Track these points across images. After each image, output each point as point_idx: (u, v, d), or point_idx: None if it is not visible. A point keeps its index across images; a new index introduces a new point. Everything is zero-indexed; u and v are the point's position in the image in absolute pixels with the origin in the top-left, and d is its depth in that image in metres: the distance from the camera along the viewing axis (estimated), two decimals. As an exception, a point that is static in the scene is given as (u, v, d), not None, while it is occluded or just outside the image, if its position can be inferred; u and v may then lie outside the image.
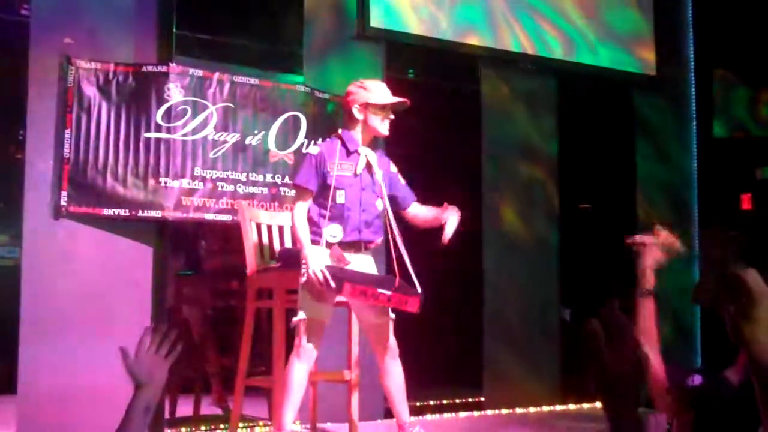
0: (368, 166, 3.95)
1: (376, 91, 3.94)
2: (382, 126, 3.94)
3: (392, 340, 3.91)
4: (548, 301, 6.75)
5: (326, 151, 3.91)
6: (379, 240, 4.03)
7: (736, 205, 7.48)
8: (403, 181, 4.13)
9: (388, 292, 3.76)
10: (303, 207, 3.90)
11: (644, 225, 7.22)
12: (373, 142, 4.17)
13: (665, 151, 7.51)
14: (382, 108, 3.91)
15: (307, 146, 5.42)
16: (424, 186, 6.21)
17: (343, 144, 3.93)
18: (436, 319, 5.99)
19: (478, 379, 6.35)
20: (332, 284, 3.65)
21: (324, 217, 3.82)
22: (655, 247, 2.83)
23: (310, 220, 3.88)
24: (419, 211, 4.12)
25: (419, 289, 3.82)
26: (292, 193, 5.13)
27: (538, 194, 6.80)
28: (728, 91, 7.68)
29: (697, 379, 2.80)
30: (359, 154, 3.93)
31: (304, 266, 3.77)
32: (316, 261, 3.71)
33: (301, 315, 3.82)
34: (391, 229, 3.98)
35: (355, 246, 3.90)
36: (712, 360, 6.84)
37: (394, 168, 4.12)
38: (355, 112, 3.96)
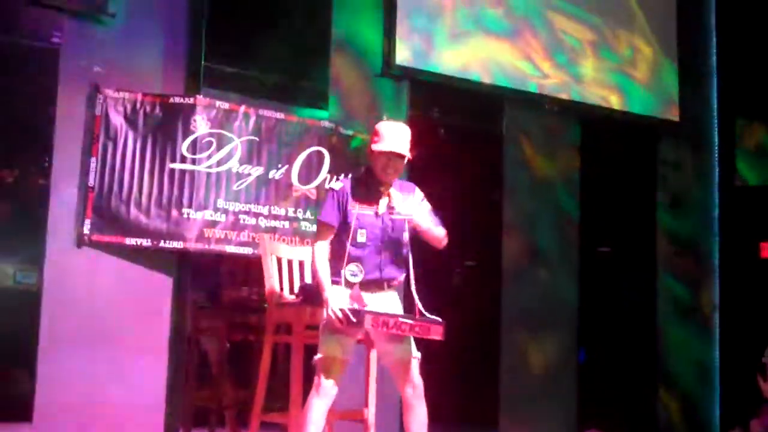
0: (389, 208, 3.89)
1: (381, 136, 3.83)
2: (383, 172, 3.87)
3: (418, 379, 3.84)
4: (566, 342, 6.70)
5: (349, 188, 3.88)
6: (402, 277, 3.98)
7: (755, 253, 7.45)
8: (428, 208, 4.04)
9: (411, 321, 3.72)
10: (323, 244, 3.85)
11: (662, 269, 7.23)
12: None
13: (687, 197, 7.49)
14: (382, 155, 3.80)
15: (330, 181, 5.43)
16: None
17: (367, 181, 3.90)
18: (453, 359, 5.95)
19: (495, 420, 6.29)
20: (352, 318, 3.61)
21: (344, 256, 3.79)
22: None
23: (331, 258, 3.85)
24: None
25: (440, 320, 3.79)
26: (314, 227, 5.15)
27: (559, 236, 6.78)
28: (753, 140, 7.69)
29: None
30: (381, 195, 3.89)
31: (324, 307, 3.74)
32: (335, 300, 3.68)
33: (321, 353, 3.76)
34: (408, 270, 3.93)
35: (377, 284, 3.85)
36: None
37: (420, 195, 4.03)
38: (368, 153, 3.95)
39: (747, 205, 7.46)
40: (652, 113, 7.29)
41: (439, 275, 5.71)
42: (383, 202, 3.85)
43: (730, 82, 7.59)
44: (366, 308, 3.71)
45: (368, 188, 3.86)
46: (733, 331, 7.24)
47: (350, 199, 3.82)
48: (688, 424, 7.03)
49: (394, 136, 3.85)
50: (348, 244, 3.76)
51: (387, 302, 3.85)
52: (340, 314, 3.62)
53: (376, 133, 3.87)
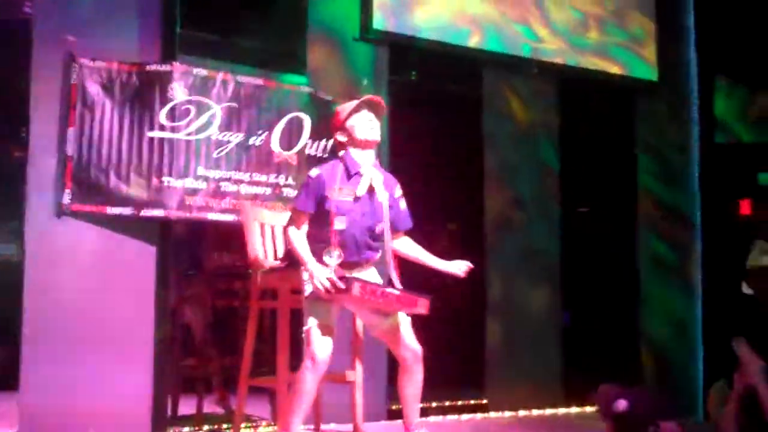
0: (370, 189, 3.87)
1: (344, 107, 3.90)
2: (370, 132, 3.84)
3: (415, 343, 3.84)
4: (550, 304, 6.75)
5: (326, 175, 3.81)
6: (378, 255, 3.98)
7: (735, 210, 7.51)
8: (403, 207, 4.04)
9: (397, 292, 3.73)
10: (299, 229, 3.83)
11: (644, 228, 7.28)
12: (379, 160, 4.09)
13: (666, 156, 7.52)
14: (358, 113, 3.84)
15: (311, 147, 5.42)
16: (425, 187, 6.27)
17: (345, 166, 3.86)
18: (438, 322, 5.97)
19: (481, 381, 6.34)
20: (341, 285, 3.61)
21: (322, 241, 3.77)
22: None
23: (311, 240, 3.82)
24: (406, 245, 4.05)
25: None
26: (295, 193, 5.14)
27: (540, 198, 6.81)
28: (727, 97, 7.72)
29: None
30: (361, 176, 3.85)
31: (307, 280, 3.73)
32: (320, 271, 3.67)
33: (311, 323, 3.73)
34: (389, 251, 3.92)
35: (356, 265, 3.87)
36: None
37: (399, 192, 4.03)
38: (339, 137, 3.92)
39: (727, 162, 7.49)
40: (630, 73, 7.28)
41: (421, 239, 5.70)
42: (363, 182, 3.82)
43: (708, 40, 7.59)
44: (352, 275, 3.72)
45: (347, 172, 3.83)
46: (715, 289, 7.30)
47: (327, 186, 3.78)
48: (672, 381, 7.10)
49: (355, 101, 3.87)
50: (326, 230, 3.75)
51: (367, 276, 3.86)
52: (327, 283, 3.61)
53: (338, 113, 3.92)
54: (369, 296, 3.65)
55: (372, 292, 3.66)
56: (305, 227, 3.83)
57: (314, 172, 3.85)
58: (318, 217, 3.81)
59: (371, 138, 3.86)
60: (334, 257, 3.75)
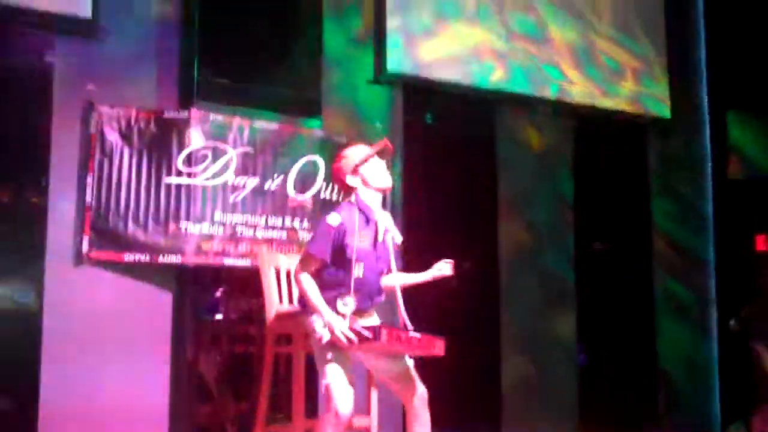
0: (385, 233, 3.87)
1: (353, 152, 3.80)
2: (385, 179, 3.79)
3: (422, 386, 3.82)
4: (566, 342, 6.74)
5: (348, 222, 3.73)
6: (382, 299, 3.98)
7: (751, 246, 7.49)
8: (398, 241, 4.04)
9: (418, 335, 3.71)
10: (309, 274, 3.70)
11: (658, 264, 7.27)
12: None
13: (680, 192, 7.53)
14: (368, 161, 3.76)
15: (325, 190, 5.46)
16: (440, 229, 6.30)
17: (362, 211, 3.86)
18: (453, 364, 5.97)
19: (497, 420, 6.33)
20: (367, 335, 3.56)
21: (339, 287, 3.67)
22: None
23: (324, 289, 3.70)
24: (393, 277, 4.02)
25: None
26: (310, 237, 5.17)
27: (555, 236, 6.82)
28: (743, 132, 7.71)
29: None
30: (376, 222, 3.85)
31: (322, 330, 3.68)
32: (341, 323, 3.57)
33: (331, 377, 3.61)
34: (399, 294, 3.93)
35: (365, 311, 3.85)
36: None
37: (395, 229, 4.04)
38: (350, 181, 3.85)
39: (741, 198, 7.49)
40: (642, 110, 7.31)
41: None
42: (381, 228, 3.81)
43: (720, 75, 7.63)
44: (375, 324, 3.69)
45: (366, 217, 3.81)
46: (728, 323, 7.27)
47: (348, 234, 3.75)
48: (689, 421, 7.06)
49: (363, 147, 3.83)
50: (344, 278, 3.67)
51: (370, 323, 3.85)
52: (351, 335, 3.55)
53: (344, 157, 3.79)
54: (396, 342, 3.61)
55: (398, 338, 3.61)
56: (315, 273, 3.80)
57: (335, 219, 3.71)
58: (335, 264, 3.73)
59: (385, 186, 3.86)
60: (349, 305, 3.71)
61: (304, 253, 3.86)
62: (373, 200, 3.82)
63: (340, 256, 3.71)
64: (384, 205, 3.97)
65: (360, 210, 3.78)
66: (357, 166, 3.80)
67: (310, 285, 3.72)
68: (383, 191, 3.86)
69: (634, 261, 7.29)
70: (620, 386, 6.83)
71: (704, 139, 7.65)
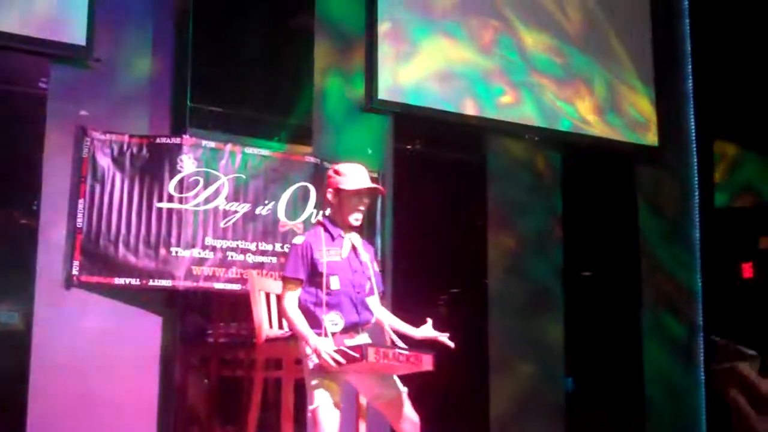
0: (354, 249, 3.90)
1: (349, 177, 3.81)
2: (351, 216, 3.80)
3: (413, 414, 3.83)
4: (553, 369, 6.76)
5: (312, 240, 3.82)
6: (373, 320, 3.99)
7: (737, 274, 7.54)
8: (376, 269, 4.08)
9: (407, 352, 3.72)
10: (293, 297, 3.77)
11: (646, 292, 7.32)
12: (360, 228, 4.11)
13: (667, 220, 7.59)
14: (355, 194, 3.80)
15: (316, 216, 5.49)
16: (430, 255, 6.34)
17: (327, 230, 3.89)
18: (440, 392, 5.99)
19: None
20: (354, 354, 3.57)
21: (320, 305, 3.72)
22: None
23: (305, 310, 3.76)
24: (376, 309, 4.04)
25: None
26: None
27: (543, 263, 6.86)
28: (732, 160, 7.80)
29: None
30: (343, 239, 3.89)
31: (310, 354, 3.71)
32: (326, 345, 3.60)
33: (318, 401, 3.65)
34: (383, 311, 3.96)
35: (354, 328, 3.85)
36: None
37: (373, 256, 4.07)
38: (329, 196, 3.92)
39: (727, 225, 7.56)
40: (630, 139, 7.40)
41: (424, 303, 5.72)
42: (346, 244, 3.85)
43: (707, 105, 7.72)
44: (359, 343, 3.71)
45: (331, 235, 3.85)
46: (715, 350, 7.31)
47: (315, 249, 3.79)
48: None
49: (361, 174, 3.85)
50: (322, 294, 3.71)
51: (362, 342, 3.87)
52: (338, 356, 3.57)
53: (338, 173, 3.84)
54: (383, 359, 3.61)
55: (385, 355, 3.61)
56: (297, 298, 3.82)
57: (299, 239, 3.84)
58: (311, 282, 3.77)
59: (353, 224, 3.88)
60: (338, 323, 3.72)
61: (281, 279, 3.91)
62: (341, 224, 3.86)
63: (314, 274, 3.75)
64: (372, 234, 4.02)
65: (325, 229, 3.83)
66: (341, 189, 3.84)
67: (294, 312, 3.75)
68: (349, 229, 3.88)
69: (621, 288, 7.34)
70: (607, 412, 6.85)
71: (691, 167, 7.72)
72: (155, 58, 5.33)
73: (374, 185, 3.87)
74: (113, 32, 5.20)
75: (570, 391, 6.88)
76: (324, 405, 3.62)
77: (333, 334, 3.69)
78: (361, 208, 3.83)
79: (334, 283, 3.74)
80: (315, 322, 3.71)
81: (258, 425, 4.48)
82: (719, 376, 5.38)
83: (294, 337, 4.25)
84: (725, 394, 5.61)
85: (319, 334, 3.67)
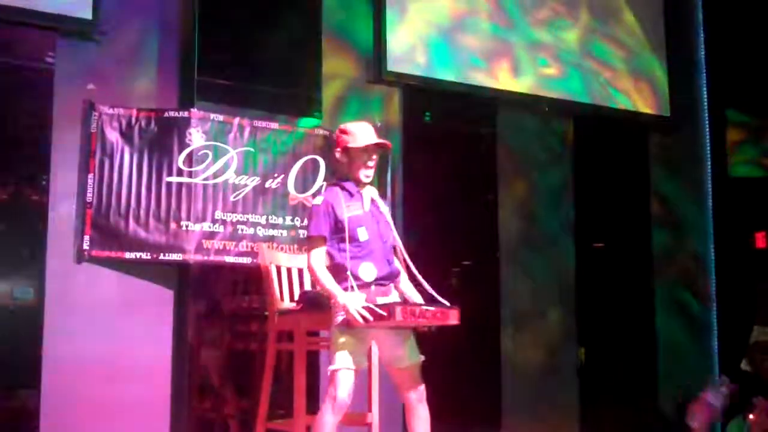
0: (373, 202, 3.91)
1: (356, 134, 3.82)
2: (361, 172, 3.81)
3: (421, 383, 3.87)
4: (565, 340, 6.75)
5: (331, 198, 3.83)
6: (400, 275, 3.99)
7: (750, 243, 7.50)
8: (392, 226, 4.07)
9: (433, 308, 3.72)
10: (319, 254, 3.78)
11: (658, 262, 7.28)
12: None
13: (680, 191, 7.55)
14: (363, 151, 3.80)
15: (326, 189, 5.45)
16: (440, 229, 6.32)
17: (343, 189, 3.90)
18: (454, 361, 5.99)
19: (497, 417, 6.34)
20: (382, 312, 3.57)
21: (352, 258, 3.72)
22: None
23: (335, 265, 3.78)
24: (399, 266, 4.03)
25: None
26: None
27: (555, 235, 6.83)
28: (744, 131, 7.74)
29: None
30: (361, 193, 3.90)
31: (341, 311, 3.71)
32: (356, 300, 3.62)
33: (338, 364, 3.67)
34: (405, 260, 3.95)
35: (387, 279, 3.84)
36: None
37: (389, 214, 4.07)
38: (338, 155, 3.93)
39: (740, 196, 7.51)
40: (642, 109, 7.34)
41: (436, 275, 5.69)
42: (366, 198, 3.86)
43: (719, 74, 7.65)
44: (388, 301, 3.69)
45: (349, 192, 3.86)
46: (730, 323, 7.28)
47: (336, 207, 3.81)
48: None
49: (368, 131, 3.85)
50: (349, 248, 3.76)
51: (392, 300, 3.86)
52: (366, 313, 3.58)
53: (345, 132, 3.85)
54: (410, 317, 3.62)
55: (412, 313, 3.62)
56: (324, 257, 3.79)
57: (319, 200, 3.86)
58: (337, 238, 3.77)
59: (363, 181, 3.88)
60: (371, 272, 3.72)
61: (307, 240, 3.92)
62: (354, 181, 3.85)
63: (340, 230, 3.76)
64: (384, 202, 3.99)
65: (341, 188, 3.83)
66: (349, 148, 3.83)
67: (320, 269, 3.77)
68: (361, 186, 3.88)
69: (634, 259, 7.31)
70: (619, 383, 6.84)
71: (704, 137, 7.66)
72: (162, 31, 5.29)
73: (381, 140, 3.86)
74: (120, 5, 5.17)
75: (582, 362, 6.87)
76: (343, 367, 3.65)
77: (363, 287, 3.69)
78: (371, 164, 3.84)
79: (362, 235, 3.76)
80: (343, 278, 3.71)
81: (270, 397, 4.50)
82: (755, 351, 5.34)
83: (304, 310, 4.28)
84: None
85: (345, 289, 3.68)
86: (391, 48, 6.08)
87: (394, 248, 3.91)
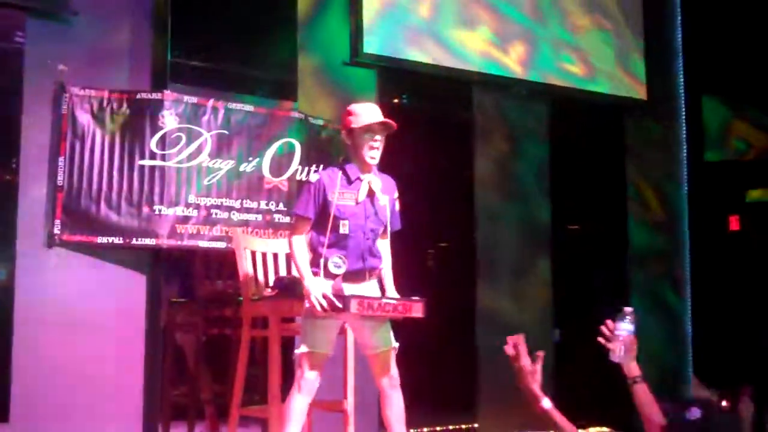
0: (371, 193, 3.88)
1: (360, 114, 3.83)
2: (368, 152, 3.81)
3: (394, 369, 3.88)
4: (541, 323, 6.77)
5: (327, 180, 3.83)
6: (381, 265, 3.98)
7: (724, 226, 7.56)
8: (397, 208, 4.05)
9: (394, 301, 3.75)
10: (301, 237, 3.83)
11: (634, 244, 7.32)
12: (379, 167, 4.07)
13: (655, 174, 7.58)
14: (366, 131, 3.80)
15: (301, 173, 5.42)
16: (416, 211, 6.28)
17: (344, 173, 3.88)
18: (429, 344, 5.99)
19: (473, 404, 6.35)
20: (338, 304, 3.61)
21: (326, 246, 3.76)
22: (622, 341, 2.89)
23: (312, 249, 3.82)
24: (382, 248, 4.02)
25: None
26: (287, 220, 5.15)
27: (530, 217, 6.84)
28: (719, 115, 7.77)
29: (695, 413, 2.81)
30: (361, 181, 3.87)
31: (306, 296, 3.73)
32: (317, 288, 3.68)
33: (304, 348, 3.76)
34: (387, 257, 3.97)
35: (359, 274, 3.85)
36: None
37: (396, 194, 4.04)
38: (344, 137, 3.93)
39: (715, 179, 7.55)
40: (618, 92, 7.33)
41: (412, 257, 5.68)
42: (363, 188, 3.84)
43: (695, 58, 7.66)
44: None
45: (348, 177, 3.84)
46: (704, 305, 7.35)
47: (328, 190, 3.80)
48: (664, 399, 7.12)
49: (372, 111, 3.86)
50: (328, 236, 3.75)
51: (368, 291, 3.87)
52: (324, 301, 3.62)
53: (350, 113, 3.86)
54: (367, 310, 3.66)
55: (369, 306, 3.67)
56: (305, 236, 3.82)
57: (314, 176, 3.90)
58: (320, 223, 3.80)
59: (369, 162, 3.87)
60: (341, 266, 3.75)
61: (292, 217, 3.93)
62: (359, 164, 3.83)
63: (324, 215, 3.75)
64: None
65: (344, 171, 3.81)
66: (352, 127, 3.82)
67: (299, 249, 3.79)
68: (367, 167, 3.86)
69: (609, 241, 7.34)
70: (595, 364, 6.86)
71: (680, 122, 7.69)
72: (134, 10, 5.19)
73: (385, 120, 3.84)
74: (91, -16, 5.06)
75: (557, 343, 6.90)
76: (309, 349, 3.72)
77: (333, 276, 3.72)
78: (375, 144, 3.81)
79: (343, 228, 3.77)
80: (316, 263, 3.77)
81: (246, 383, 4.48)
82: None
83: (279, 296, 4.26)
84: None
85: (317, 275, 3.68)
86: (367, 29, 6.01)
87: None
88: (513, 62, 6.77)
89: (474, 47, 6.59)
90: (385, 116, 3.89)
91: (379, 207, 3.87)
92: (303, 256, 3.78)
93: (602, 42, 7.30)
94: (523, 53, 6.84)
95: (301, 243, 3.81)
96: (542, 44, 6.94)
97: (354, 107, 3.90)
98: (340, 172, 3.85)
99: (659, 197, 7.59)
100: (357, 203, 3.81)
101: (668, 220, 7.56)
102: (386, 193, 3.92)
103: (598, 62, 7.24)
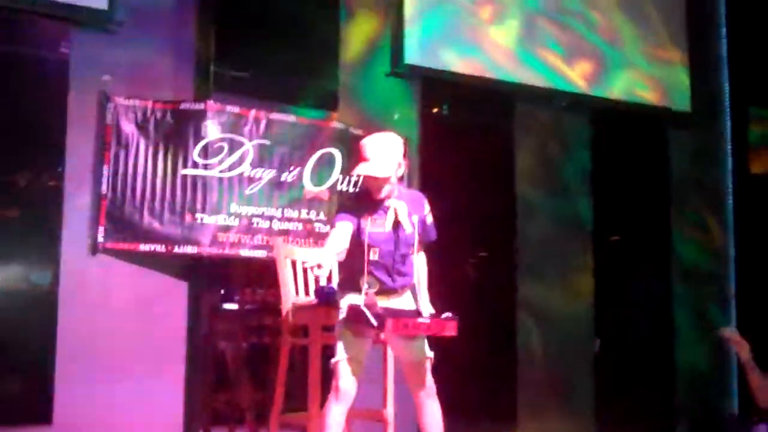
0: (396, 221, 3.84)
1: (360, 155, 3.71)
2: (373, 191, 3.74)
3: (430, 380, 3.86)
4: (582, 333, 6.70)
5: (357, 206, 3.78)
6: (413, 279, 3.97)
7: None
8: (429, 222, 4.00)
9: (427, 320, 3.73)
10: (336, 233, 3.68)
11: (677, 258, 7.22)
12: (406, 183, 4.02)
13: (701, 186, 7.47)
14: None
15: (342, 182, 5.43)
16: (457, 221, 6.26)
17: (371, 197, 3.78)
18: (469, 354, 5.95)
19: (512, 414, 6.30)
20: (373, 322, 3.61)
21: (359, 272, 3.74)
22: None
23: (345, 274, 3.85)
24: (418, 264, 3.99)
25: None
26: (327, 229, 5.15)
27: (572, 228, 6.78)
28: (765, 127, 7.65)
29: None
30: (387, 208, 3.83)
31: (343, 307, 3.73)
32: (355, 300, 3.67)
33: (340, 356, 3.75)
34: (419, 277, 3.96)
35: (390, 292, 3.85)
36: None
37: (427, 209, 3.99)
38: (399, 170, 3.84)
39: (762, 193, 7.43)
40: (662, 104, 7.25)
41: (452, 267, 5.65)
42: (390, 217, 3.81)
43: (741, 69, 7.55)
44: (383, 310, 3.70)
45: (375, 205, 3.80)
46: (749, 321, 7.20)
47: (362, 217, 3.77)
48: (706, 415, 7.01)
49: (370, 154, 3.70)
50: (362, 261, 3.73)
51: (401, 304, 3.86)
52: (368, 312, 3.58)
53: (359, 151, 3.78)
54: (402, 330, 3.65)
55: (404, 326, 3.66)
56: (341, 237, 3.69)
57: (348, 199, 4.02)
58: (353, 248, 3.75)
59: (376, 198, 3.82)
60: (372, 285, 3.74)
61: (331, 225, 3.89)
62: (373, 188, 3.78)
63: (358, 239, 3.72)
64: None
65: (369, 196, 3.78)
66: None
67: (328, 247, 3.65)
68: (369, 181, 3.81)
69: (652, 253, 7.24)
70: (635, 377, 6.78)
71: (725, 134, 7.58)
72: (178, 21, 5.26)
73: (367, 172, 3.72)
74: (135, -5, 5.14)
75: (597, 353, 6.82)
76: (344, 358, 3.70)
77: (367, 293, 3.72)
78: (375, 189, 3.75)
79: (374, 255, 3.75)
80: (352, 286, 3.78)
81: (286, 391, 4.48)
82: None
83: (320, 305, 4.25)
84: None
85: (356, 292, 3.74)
86: (408, 40, 6.02)
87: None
88: (556, 73, 6.73)
89: (517, 57, 6.55)
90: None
91: (404, 234, 3.83)
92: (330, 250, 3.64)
93: (645, 53, 7.22)
94: (567, 64, 6.79)
95: (332, 241, 3.66)
96: (586, 56, 6.89)
97: (362, 145, 3.75)
98: (367, 199, 3.77)
99: (704, 210, 7.47)
100: (385, 231, 3.78)
101: (713, 233, 7.44)
102: (415, 212, 3.86)
103: (641, 74, 7.17)
